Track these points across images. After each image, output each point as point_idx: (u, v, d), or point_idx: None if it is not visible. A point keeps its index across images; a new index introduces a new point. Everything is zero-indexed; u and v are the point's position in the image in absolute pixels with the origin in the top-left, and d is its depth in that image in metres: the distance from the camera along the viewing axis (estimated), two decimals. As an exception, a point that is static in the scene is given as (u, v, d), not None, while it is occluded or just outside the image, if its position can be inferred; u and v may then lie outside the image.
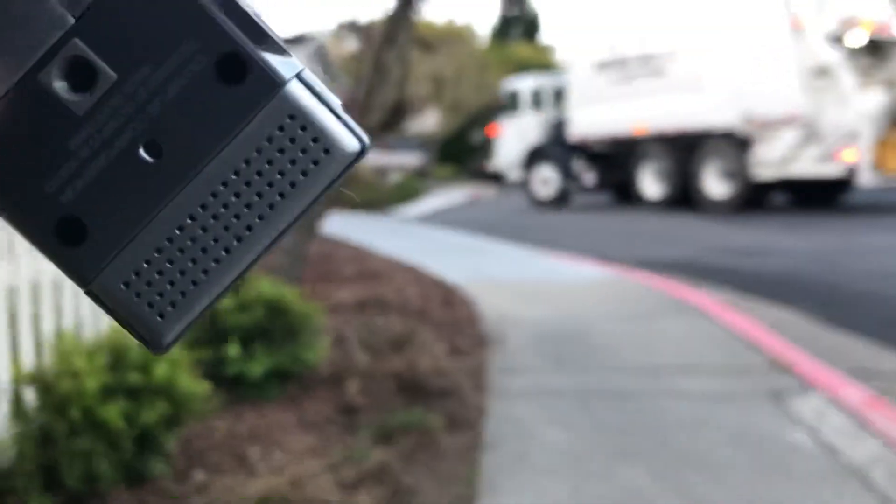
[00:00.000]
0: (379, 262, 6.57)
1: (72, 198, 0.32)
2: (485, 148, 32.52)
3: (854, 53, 10.64)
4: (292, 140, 0.32)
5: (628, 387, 3.45)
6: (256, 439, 2.73)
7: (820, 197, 11.81)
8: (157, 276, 0.33)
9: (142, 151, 0.32)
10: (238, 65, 0.32)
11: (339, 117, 0.33)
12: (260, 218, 0.32)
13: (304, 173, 0.32)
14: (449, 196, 20.07)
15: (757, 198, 11.71)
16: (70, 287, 2.76)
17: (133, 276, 0.33)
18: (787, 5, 10.82)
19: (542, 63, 41.33)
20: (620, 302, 5.16)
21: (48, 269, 2.67)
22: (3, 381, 2.32)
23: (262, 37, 0.32)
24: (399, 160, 24.71)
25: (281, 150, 0.32)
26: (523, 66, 38.23)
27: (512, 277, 6.36)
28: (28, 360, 2.51)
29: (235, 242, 0.33)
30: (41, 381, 2.23)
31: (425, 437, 2.77)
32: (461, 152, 32.22)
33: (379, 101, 4.18)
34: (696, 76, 11.96)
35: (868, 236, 8.31)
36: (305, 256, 3.97)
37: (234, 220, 0.32)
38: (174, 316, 0.33)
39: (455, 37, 33.03)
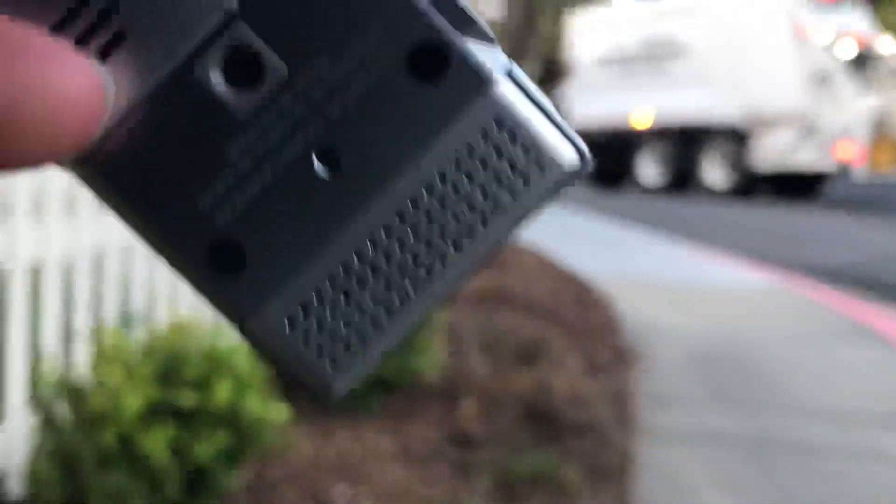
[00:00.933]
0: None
1: (229, 218, 0.25)
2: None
3: (847, 63, 12.08)
4: (498, 151, 0.25)
5: (814, 439, 2.73)
6: (345, 473, 2.17)
7: (803, 188, 13.21)
8: (329, 314, 0.25)
9: (316, 163, 0.25)
10: (436, 58, 0.24)
11: (555, 124, 0.25)
12: (455, 247, 0.25)
13: (511, 192, 0.25)
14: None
15: (748, 188, 12.98)
16: (143, 255, 2.25)
17: (300, 314, 0.25)
18: (791, 15, 12.01)
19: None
20: (789, 319, 4.39)
21: (116, 236, 2.16)
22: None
23: (465, 22, 0.25)
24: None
25: (485, 164, 0.25)
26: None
27: (655, 276, 5.63)
28: (81, 355, 2.02)
29: (424, 274, 0.25)
30: (72, 391, 1.71)
31: (559, 492, 2.15)
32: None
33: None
34: (700, 74, 13.05)
35: None
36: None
37: (424, 249, 0.25)
38: (348, 361, 0.25)
39: None
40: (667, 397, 3.07)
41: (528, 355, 3.22)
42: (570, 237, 7.45)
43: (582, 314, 4.10)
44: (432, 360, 2.76)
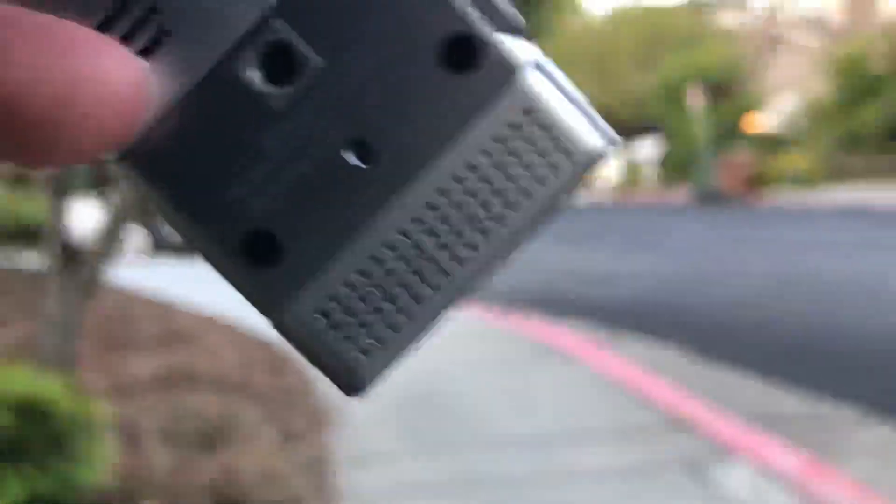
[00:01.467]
0: (189, 319, 5.58)
1: (265, 208, 0.26)
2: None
3: None
4: (528, 140, 0.25)
5: (515, 470, 2.72)
6: None
7: None
8: (361, 305, 0.25)
9: (349, 154, 0.26)
10: (468, 48, 0.25)
11: (584, 113, 0.26)
12: (484, 233, 0.25)
13: (540, 180, 0.25)
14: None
15: None
16: None
17: (332, 305, 0.25)
18: None
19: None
20: (476, 348, 4.46)
21: None
22: None
23: (496, 14, 0.25)
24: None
25: (513, 153, 0.25)
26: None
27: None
28: None
29: (455, 264, 0.25)
30: None
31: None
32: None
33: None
34: None
35: (695, 258, 8.07)
36: (80, 324, 3.01)
37: (454, 237, 0.25)
38: (379, 353, 0.25)
39: None
40: (366, 456, 2.94)
41: (216, 437, 2.95)
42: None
43: (277, 381, 3.89)
44: (101, 466, 2.43)
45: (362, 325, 0.25)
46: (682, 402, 3.38)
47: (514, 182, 0.25)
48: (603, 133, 0.26)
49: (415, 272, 0.25)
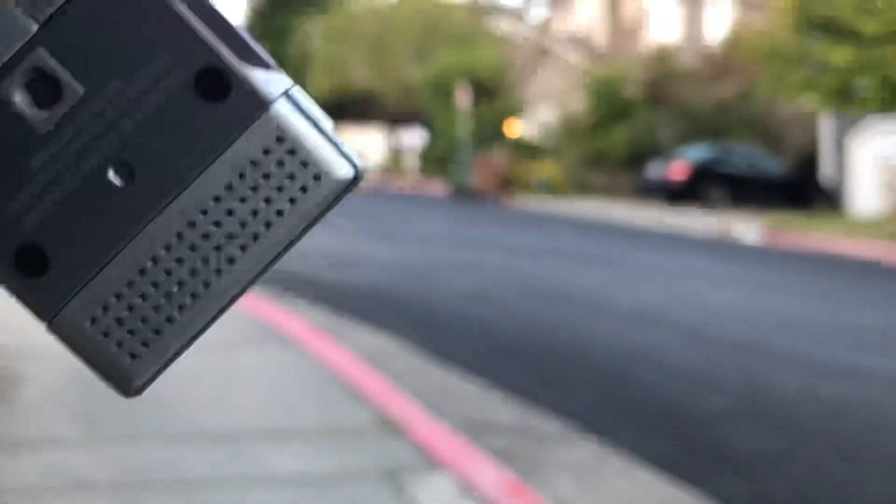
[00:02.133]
0: None
1: (33, 224, 0.29)
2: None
3: None
4: (279, 164, 0.29)
5: (199, 470, 2.42)
6: None
7: None
8: (127, 313, 0.29)
9: (111, 174, 0.29)
10: (220, 80, 0.28)
11: (330, 140, 0.29)
12: (242, 249, 0.29)
13: (292, 201, 0.29)
14: None
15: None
16: None
17: (101, 312, 0.29)
18: None
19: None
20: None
21: None
22: None
23: (246, 51, 0.29)
24: None
25: (266, 176, 0.29)
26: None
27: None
28: None
29: (215, 276, 0.29)
30: None
31: None
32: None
33: None
34: None
35: (448, 250, 8.11)
36: None
37: (214, 252, 0.29)
38: (147, 356, 0.29)
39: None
40: (29, 440, 2.52)
41: None
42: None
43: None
44: None
45: (130, 331, 0.29)
46: (396, 402, 3.22)
47: (268, 203, 0.29)
48: (349, 160, 0.29)
49: (178, 283, 0.29)
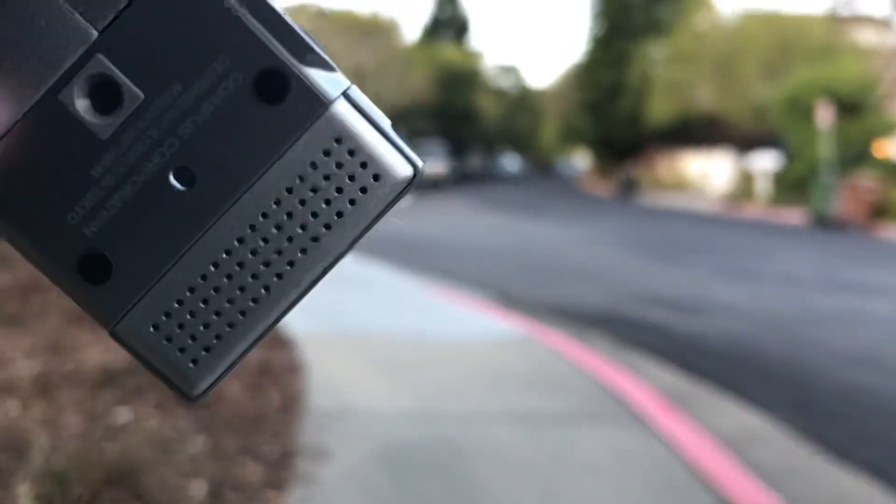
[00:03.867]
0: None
1: (96, 231, 0.30)
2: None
3: None
4: (339, 165, 0.30)
5: None
6: None
7: None
8: (189, 318, 0.30)
9: (172, 179, 0.29)
10: (279, 82, 0.29)
11: (389, 140, 0.30)
12: (303, 251, 0.30)
13: (352, 202, 0.30)
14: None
15: None
16: None
17: (163, 318, 0.30)
18: None
19: (469, 67, 40.14)
20: (526, 388, 3.53)
21: None
22: None
23: (305, 51, 0.29)
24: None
25: (326, 177, 0.30)
26: (449, 68, 36.89)
27: (378, 328, 4.66)
28: None
29: (276, 279, 0.30)
30: None
31: None
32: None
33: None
34: None
35: (824, 296, 6.90)
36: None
37: (275, 255, 0.30)
38: (208, 362, 0.30)
39: (380, 29, 31.28)
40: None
41: (121, 479, 2.12)
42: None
43: (255, 395, 3.05)
44: None
45: (192, 336, 0.29)
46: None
47: (328, 204, 0.29)
48: (408, 159, 0.30)
49: (240, 288, 0.29)
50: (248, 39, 0.28)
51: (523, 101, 50.69)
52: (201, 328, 0.29)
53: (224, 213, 0.29)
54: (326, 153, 0.29)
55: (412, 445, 2.73)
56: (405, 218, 14.40)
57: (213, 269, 0.29)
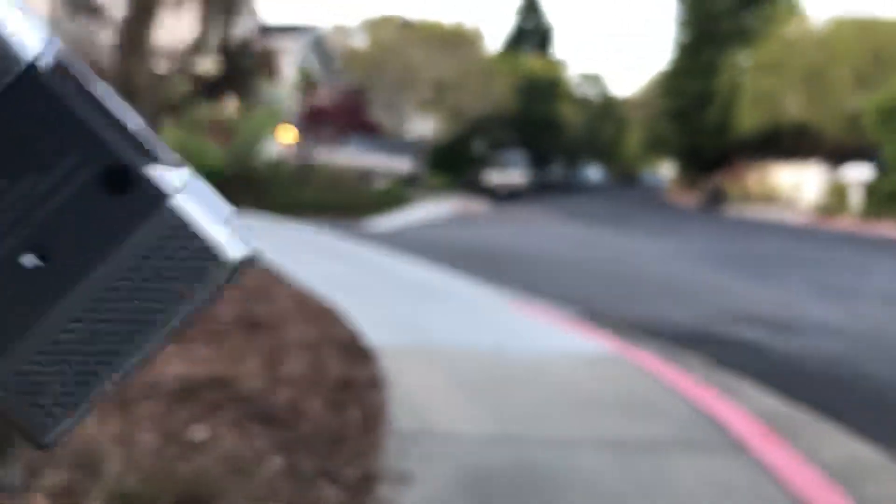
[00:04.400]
0: (282, 300, 4.77)
1: None
2: (484, 159, 30.86)
3: None
4: (178, 249, 0.33)
5: None
6: None
7: None
8: (42, 378, 0.33)
9: (25, 257, 0.33)
10: (122, 177, 0.33)
11: (225, 225, 0.34)
12: (146, 323, 0.33)
13: (190, 281, 0.33)
14: (435, 208, 18.34)
15: None
16: None
17: (18, 378, 0.33)
18: None
19: (551, 77, 39.85)
20: (616, 411, 3.36)
21: None
22: None
23: (146, 149, 0.34)
24: (388, 164, 22.93)
25: (168, 259, 0.33)
26: (532, 78, 36.70)
27: (458, 343, 4.54)
28: None
29: (115, 348, 0.33)
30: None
31: None
32: (457, 161, 30.43)
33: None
34: None
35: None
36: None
37: (116, 327, 0.33)
38: (60, 414, 0.33)
39: (463, 40, 31.27)
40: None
41: (188, 502, 2.05)
42: (378, 285, 6.34)
43: (336, 413, 2.96)
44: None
45: (44, 393, 0.33)
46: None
47: (167, 284, 0.33)
48: (244, 241, 0.34)
49: (84, 352, 0.33)
50: (94, 140, 0.33)
51: (606, 110, 50.13)
52: (54, 386, 0.33)
53: (75, 287, 0.33)
54: (167, 238, 0.33)
55: (496, 472, 2.60)
56: (485, 229, 14.28)
57: (64, 335, 0.33)
